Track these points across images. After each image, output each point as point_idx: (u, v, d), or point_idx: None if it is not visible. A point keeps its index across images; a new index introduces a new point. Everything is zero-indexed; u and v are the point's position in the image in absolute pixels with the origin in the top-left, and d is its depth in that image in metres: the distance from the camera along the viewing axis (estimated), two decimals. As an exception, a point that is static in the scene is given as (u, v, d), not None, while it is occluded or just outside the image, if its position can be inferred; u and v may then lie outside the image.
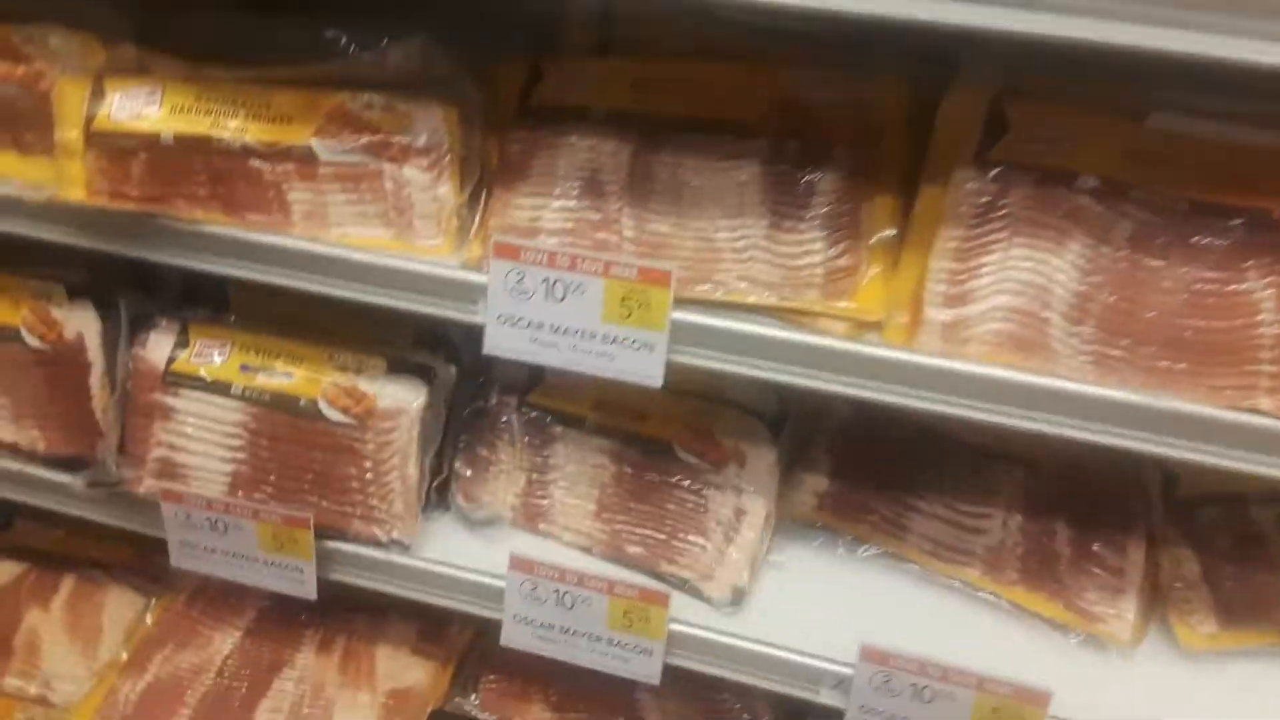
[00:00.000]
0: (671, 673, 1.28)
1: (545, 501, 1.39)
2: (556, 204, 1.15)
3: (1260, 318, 0.95)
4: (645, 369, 1.10)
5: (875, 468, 1.40)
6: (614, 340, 1.10)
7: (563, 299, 1.11)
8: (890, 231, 1.09)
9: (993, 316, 1.03)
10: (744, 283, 1.10)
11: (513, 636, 1.30)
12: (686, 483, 1.35)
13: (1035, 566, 1.30)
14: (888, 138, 1.09)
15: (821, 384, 1.07)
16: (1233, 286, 0.95)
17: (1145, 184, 0.97)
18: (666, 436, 1.36)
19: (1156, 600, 1.28)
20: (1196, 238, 0.96)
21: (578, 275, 1.09)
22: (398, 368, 1.34)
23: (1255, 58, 0.76)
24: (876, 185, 1.09)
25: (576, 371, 1.12)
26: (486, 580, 1.31)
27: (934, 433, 1.42)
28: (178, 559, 1.40)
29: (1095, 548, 1.29)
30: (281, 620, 1.57)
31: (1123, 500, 1.32)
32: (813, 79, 1.11)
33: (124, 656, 1.55)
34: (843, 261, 1.09)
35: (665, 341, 1.09)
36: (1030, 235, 1.01)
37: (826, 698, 1.23)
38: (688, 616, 1.26)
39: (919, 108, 1.09)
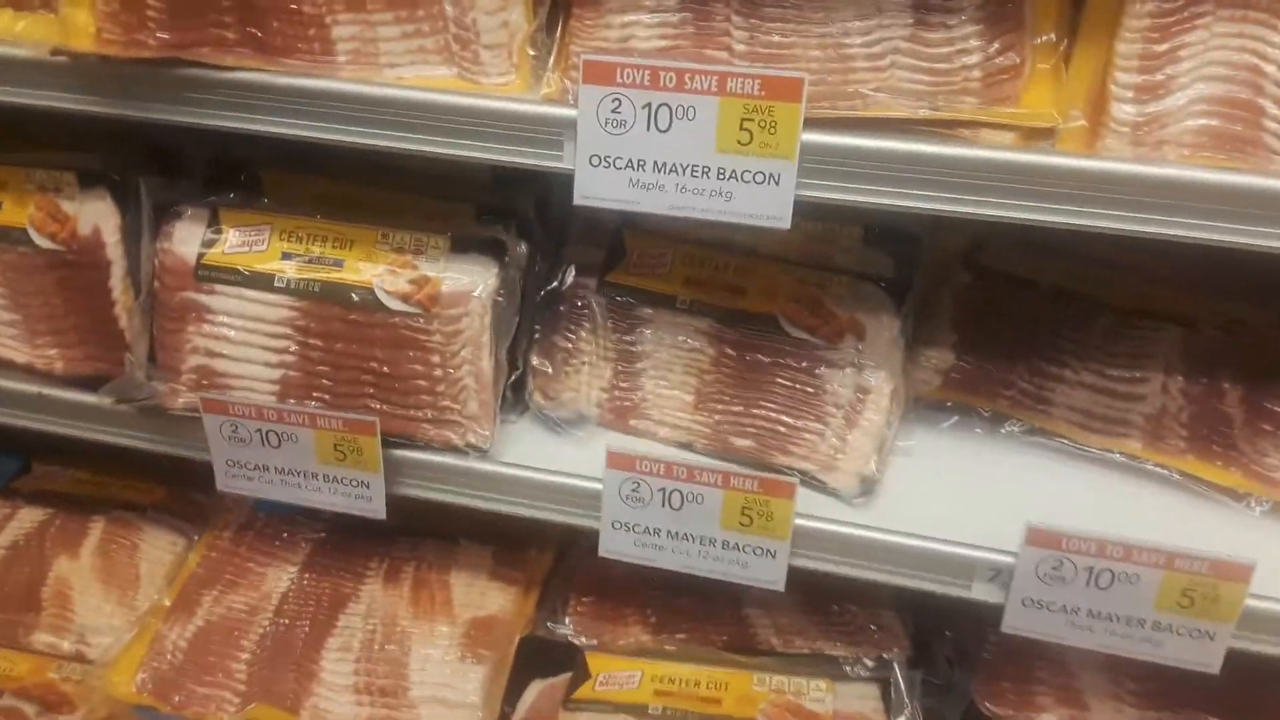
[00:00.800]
0: (788, 582, 1.12)
1: (636, 395, 1.22)
2: (650, 18, 0.97)
3: None
4: (770, 206, 0.93)
5: (1007, 336, 1.23)
6: (731, 174, 0.93)
7: (668, 128, 0.93)
8: (1060, 20, 0.91)
9: (1195, 110, 0.86)
10: (884, 94, 0.93)
11: (613, 544, 1.13)
12: (798, 362, 1.18)
13: (1205, 432, 1.13)
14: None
15: (990, 210, 0.90)
16: None
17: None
18: (771, 310, 1.19)
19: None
20: None
21: (686, 95, 0.91)
22: (463, 246, 1.16)
23: None
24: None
25: (683, 218, 0.95)
26: (580, 483, 1.14)
27: (1069, 293, 1.25)
28: (224, 482, 1.23)
29: (1271, 406, 1.12)
30: (341, 551, 1.41)
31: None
32: None
33: (167, 602, 1.38)
34: (1004, 60, 0.91)
35: (794, 171, 0.92)
36: (1241, 4, 0.83)
37: (981, 592, 1.06)
38: (813, 510, 1.10)
39: None
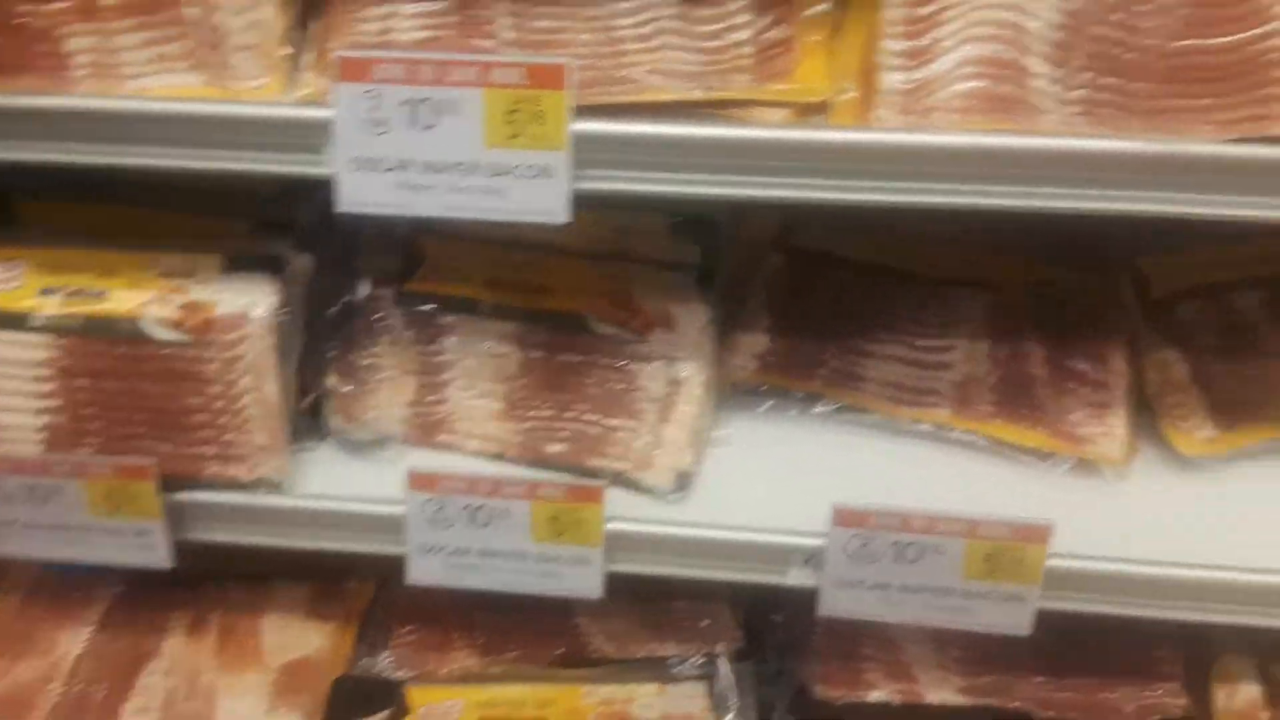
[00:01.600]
0: (616, 586, 1.08)
1: (443, 408, 1.16)
2: (411, 8, 0.91)
3: (1269, 26, 0.80)
4: (545, 201, 0.88)
5: (821, 315, 1.23)
6: (503, 170, 0.88)
7: (432, 125, 0.88)
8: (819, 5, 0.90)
9: (962, 73, 0.85)
10: (657, 76, 0.89)
11: (421, 570, 1.07)
12: (607, 359, 1.14)
13: (1011, 395, 1.14)
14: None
15: (764, 190, 0.87)
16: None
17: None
18: (578, 308, 1.15)
19: (1145, 411, 1.15)
20: (1191, -64, 0.80)
21: (449, 89, 0.86)
22: (237, 265, 1.08)
23: None
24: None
25: (457, 219, 0.89)
26: (382, 510, 1.07)
27: (880, 268, 1.26)
28: (-8, 543, 1.11)
29: (1074, 365, 1.14)
30: (140, 606, 1.29)
31: (1096, 311, 1.19)
32: None
33: (-58, 683, 1.25)
34: (775, 34, 0.89)
35: (567, 162, 0.87)
36: (998, -38, 0.83)
37: (796, 577, 1.04)
38: (627, 512, 1.06)
39: None
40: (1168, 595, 1.02)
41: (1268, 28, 0.79)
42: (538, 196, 0.88)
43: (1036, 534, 0.96)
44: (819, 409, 1.18)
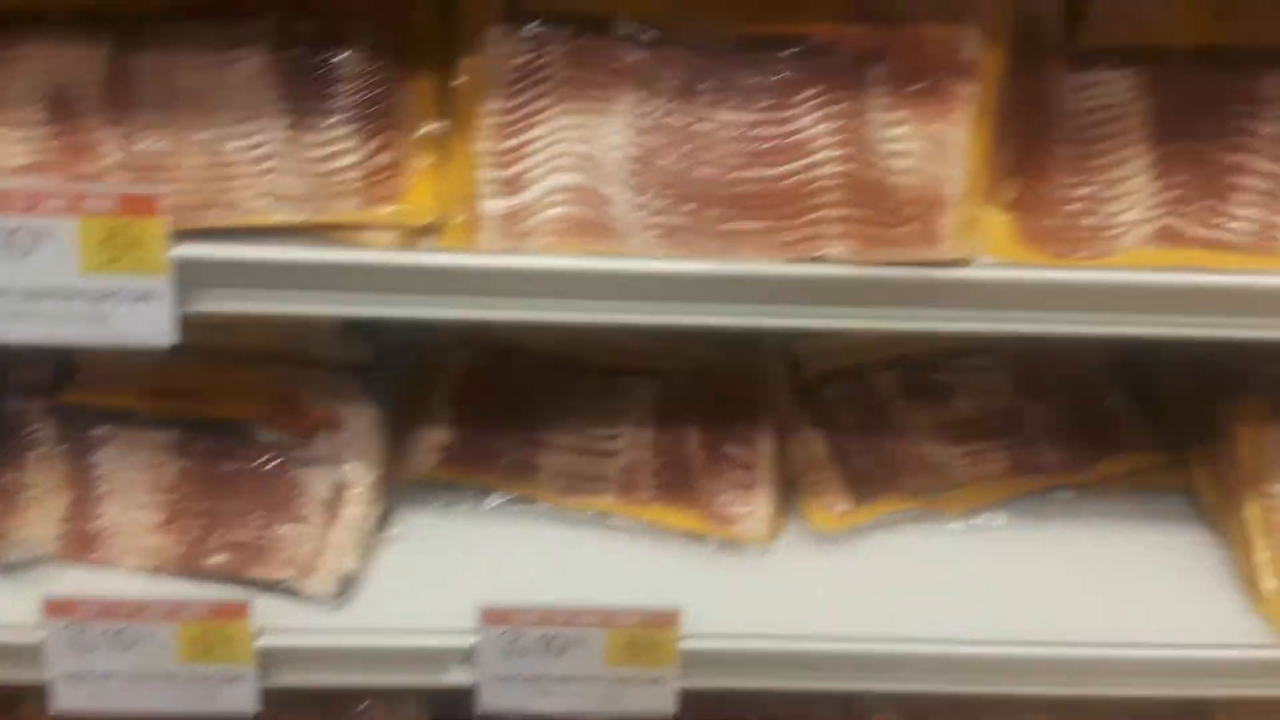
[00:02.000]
0: (285, 695, 1.08)
1: (99, 522, 1.12)
2: (17, 134, 0.90)
3: (818, 155, 0.88)
4: (150, 326, 0.88)
5: (502, 408, 1.26)
6: (104, 296, 0.88)
7: (29, 253, 0.87)
8: (437, 117, 0.94)
9: (551, 201, 0.90)
10: (266, 200, 0.91)
11: (66, 698, 1.03)
12: (272, 465, 1.13)
13: (670, 479, 1.20)
14: (420, 3, 0.93)
15: (372, 309, 0.90)
16: (787, 126, 0.88)
17: (689, 21, 0.87)
18: (240, 414, 1.14)
19: (792, 490, 1.23)
20: (746, 76, 0.88)
21: (41, 218, 0.85)
22: None
23: None
24: (414, 61, 0.92)
25: (63, 345, 0.88)
26: (19, 639, 1.03)
27: (562, 359, 1.31)
28: None
29: (725, 448, 1.21)
30: None
31: (750, 394, 1.26)
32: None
33: None
34: (384, 158, 0.92)
35: (170, 286, 0.87)
36: (576, 99, 0.89)
37: (456, 677, 1.06)
38: (287, 622, 1.06)
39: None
40: (806, 666, 1.09)
41: (808, 160, 0.88)
42: (141, 321, 0.88)
43: (667, 619, 1.01)
44: (493, 502, 1.21)
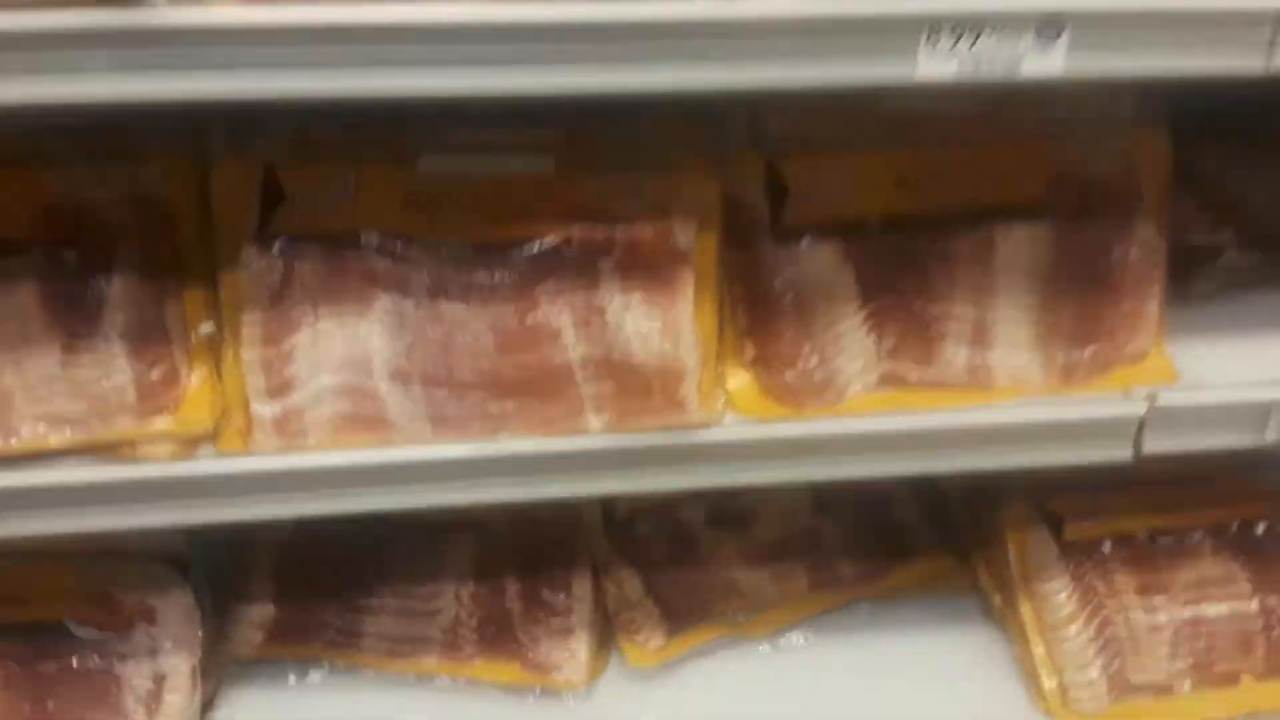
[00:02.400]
0: None
1: (-86, 738, 1.14)
2: None
3: (564, 340, 0.97)
4: (-63, 554, 0.92)
5: (324, 577, 1.30)
6: (-113, 531, 0.91)
7: None
8: (208, 328, 1.00)
9: (323, 400, 0.97)
10: (44, 424, 0.96)
11: None
12: (90, 662, 1.15)
13: (491, 634, 1.25)
14: (182, 225, 0.99)
15: (157, 518, 0.95)
16: (532, 317, 0.96)
17: (428, 232, 0.96)
18: (56, 614, 1.17)
19: (609, 627, 1.29)
20: (489, 276, 0.96)
21: None
22: None
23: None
24: (179, 280, 0.99)
25: None
26: None
27: (382, 521, 1.35)
28: None
29: (543, 595, 1.27)
30: None
31: (566, 538, 1.32)
32: (81, 176, 0.99)
33: None
34: (157, 373, 0.98)
35: (-46, 516, 0.92)
36: (332, 306, 0.96)
37: None
38: (111, 818, 1.08)
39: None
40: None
41: (557, 345, 0.96)
42: (-75, 554, 0.92)
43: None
44: (319, 674, 1.24)
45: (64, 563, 1.19)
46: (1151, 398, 1.02)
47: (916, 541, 1.37)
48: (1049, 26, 0.77)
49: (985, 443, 1.03)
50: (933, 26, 0.76)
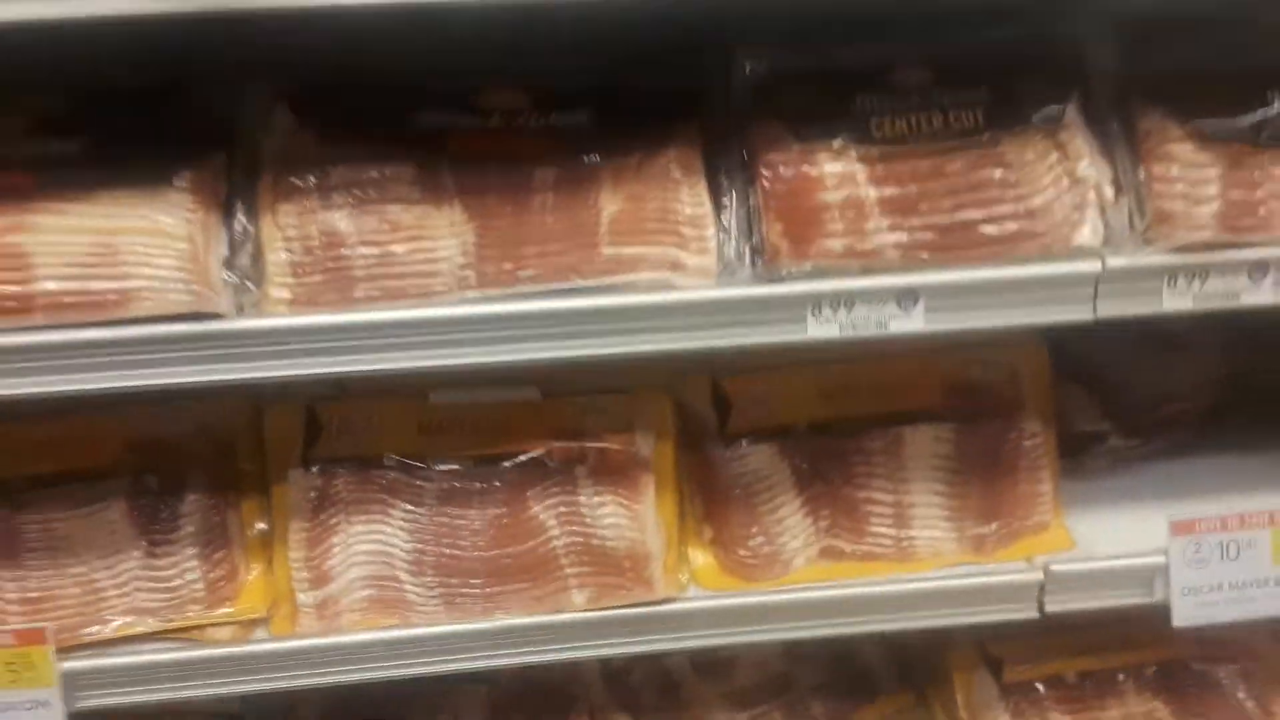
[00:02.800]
0: None
1: None
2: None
3: (550, 533, 1.18)
4: (42, 725, 1.14)
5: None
6: (9, 707, 1.13)
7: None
8: (262, 531, 1.23)
9: (354, 587, 1.19)
10: (130, 616, 1.18)
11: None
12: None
13: None
14: (240, 453, 1.24)
15: (221, 688, 1.17)
16: (523, 516, 1.18)
17: (437, 452, 1.19)
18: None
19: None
20: (486, 484, 1.19)
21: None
22: None
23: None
24: (238, 495, 1.23)
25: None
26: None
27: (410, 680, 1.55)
28: None
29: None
30: None
31: (567, 687, 1.51)
32: (158, 416, 1.23)
33: None
34: (219, 572, 1.20)
35: (59, 694, 1.13)
36: (361, 514, 1.19)
37: None
38: None
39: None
40: None
41: (543, 538, 1.18)
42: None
43: None
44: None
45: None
46: (1047, 567, 1.20)
47: (880, 683, 1.54)
48: (907, 297, 1.00)
49: (910, 607, 1.22)
50: (816, 302, 0.99)
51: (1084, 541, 1.27)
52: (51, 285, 0.94)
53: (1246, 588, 1.22)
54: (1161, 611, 1.26)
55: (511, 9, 0.86)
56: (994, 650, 1.45)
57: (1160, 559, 1.20)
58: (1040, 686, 1.42)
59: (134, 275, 0.96)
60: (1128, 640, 1.44)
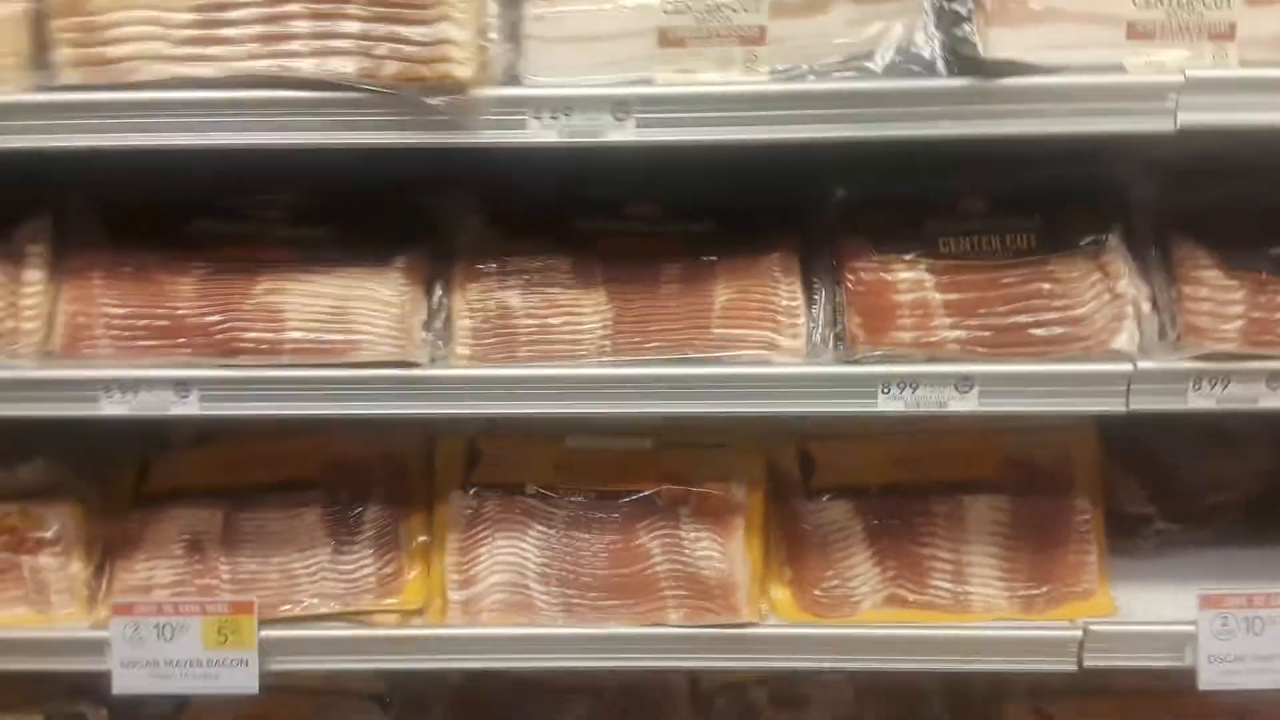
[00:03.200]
0: None
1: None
2: (166, 564, 1.49)
3: (654, 560, 1.42)
4: (243, 681, 1.42)
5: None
6: (216, 663, 1.42)
7: (171, 638, 1.42)
8: (424, 540, 1.51)
9: (494, 591, 1.45)
10: (317, 599, 1.47)
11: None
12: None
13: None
14: (410, 474, 1.53)
15: (388, 664, 1.45)
16: (633, 543, 1.43)
17: (569, 485, 1.46)
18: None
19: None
20: (606, 515, 1.44)
21: (181, 617, 1.41)
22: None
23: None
24: (408, 509, 1.51)
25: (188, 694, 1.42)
26: None
27: (527, 682, 1.80)
28: None
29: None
30: None
31: (659, 703, 1.73)
32: (351, 442, 1.54)
33: None
34: (389, 569, 1.48)
35: (256, 657, 1.42)
36: (504, 531, 1.46)
37: None
38: None
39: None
40: None
41: (648, 563, 1.42)
42: (239, 678, 1.42)
43: None
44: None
45: (301, 693, 1.69)
46: (1086, 626, 1.37)
47: (942, 732, 1.72)
48: (964, 382, 1.21)
49: (963, 651, 1.40)
50: (885, 382, 1.22)
51: (1125, 610, 1.43)
52: (298, 334, 1.26)
53: (1270, 660, 1.36)
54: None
55: (660, 147, 1.13)
56: (1048, 710, 1.61)
57: (1191, 628, 1.36)
58: (1087, 742, 1.57)
59: (358, 331, 1.27)
60: (1169, 707, 1.58)
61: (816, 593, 1.45)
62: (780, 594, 1.46)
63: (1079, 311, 1.26)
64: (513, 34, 1.19)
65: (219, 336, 1.29)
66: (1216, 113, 1.10)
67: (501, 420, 1.41)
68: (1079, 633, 1.38)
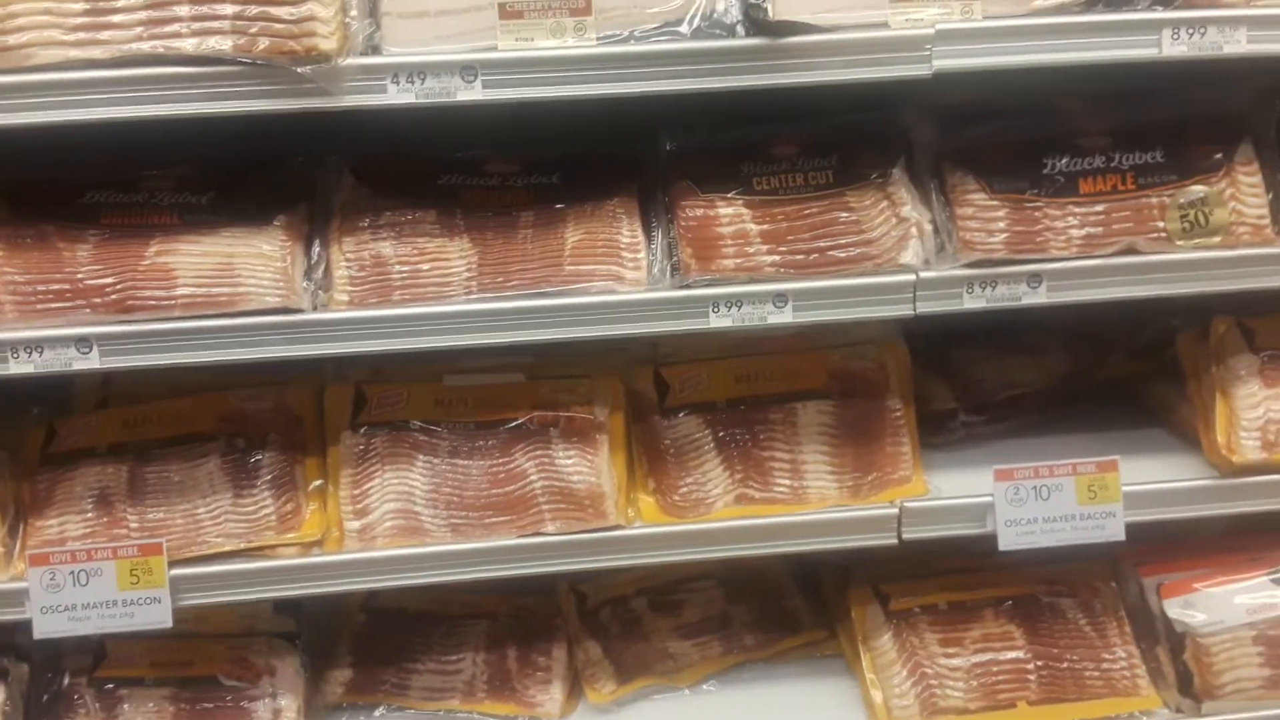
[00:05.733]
0: None
1: (122, 753, 1.73)
2: (77, 518, 1.60)
3: (530, 478, 1.60)
4: (157, 617, 1.55)
5: (386, 649, 1.90)
6: (131, 603, 1.54)
7: (87, 583, 1.54)
8: (319, 481, 1.65)
9: (386, 518, 1.61)
10: (221, 538, 1.60)
11: None
12: (231, 701, 1.76)
13: (497, 683, 1.83)
14: (302, 421, 1.67)
15: (288, 592, 1.59)
16: (511, 465, 1.60)
17: (448, 418, 1.62)
18: (211, 671, 1.78)
19: (579, 681, 1.85)
20: (484, 443, 1.62)
21: (94, 562, 1.53)
22: (-31, 676, 1.66)
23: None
24: (303, 453, 1.66)
25: (103, 634, 1.54)
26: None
27: (425, 612, 1.95)
28: None
29: (533, 657, 1.85)
30: None
31: (550, 620, 1.92)
32: (247, 394, 1.67)
33: None
34: (288, 508, 1.63)
35: (168, 594, 1.54)
36: (392, 464, 1.62)
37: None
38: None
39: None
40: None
41: (525, 482, 1.59)
42: (153, 615, 1.54)
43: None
44: (379, 712, 1.83)
45: (216, 638, 1.82)
46: (903, 504, 1.61)
47: (801, 620, 1.94)
48: (780, 298, 1.42)
49: (801, 534, 1.63)
50: (714, 302, 1.42)
51: (937, 491, 1.67)
52: (188, 290, 1.40)
53: (1056, 522, 1.62)
54: (1016, 554, 1.65)
55: (512, 105, 1.31)
56: (883, 588, 1.85)
57: (989, 499, 1.61)
58: (918, 611, 1.81)
59: (244, 284, 1.41)
60: (989, 579, 1.84)
61: (675, 498, 1.65)
62: (645, 501, 1.66)
63: (872, 234, 1.49)
64: (372, 10, 1.36)
65: (115, 296, 1.42)
66: (964, 58, 1.34)
67: (382, 358, 1.57)
68: (897, 510, 1.62)
